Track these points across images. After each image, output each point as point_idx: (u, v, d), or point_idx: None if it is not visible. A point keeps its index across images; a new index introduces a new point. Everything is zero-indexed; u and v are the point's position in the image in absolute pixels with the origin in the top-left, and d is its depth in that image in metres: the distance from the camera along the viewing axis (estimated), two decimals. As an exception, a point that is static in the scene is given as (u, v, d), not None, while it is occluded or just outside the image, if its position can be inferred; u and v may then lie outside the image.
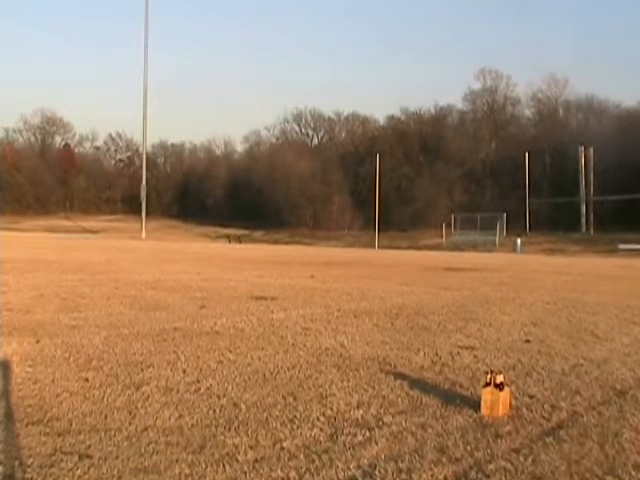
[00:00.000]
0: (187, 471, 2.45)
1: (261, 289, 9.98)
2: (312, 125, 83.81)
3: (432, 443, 2.84)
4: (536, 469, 2.57)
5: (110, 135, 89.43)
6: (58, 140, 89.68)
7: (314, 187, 67.99)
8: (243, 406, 3.35)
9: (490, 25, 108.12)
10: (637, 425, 3.19)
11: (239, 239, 62.54)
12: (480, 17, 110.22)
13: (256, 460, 2.59)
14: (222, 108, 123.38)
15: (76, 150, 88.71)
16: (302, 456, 2.65)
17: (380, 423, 3.12)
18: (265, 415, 3.20)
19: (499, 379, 3.26)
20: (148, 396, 3.50)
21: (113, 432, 2.87)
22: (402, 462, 2.60)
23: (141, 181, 59.06)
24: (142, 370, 4.12)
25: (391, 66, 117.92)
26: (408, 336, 5.79)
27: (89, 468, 2.45)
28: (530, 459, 2.67)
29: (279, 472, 2.47)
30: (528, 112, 72.52)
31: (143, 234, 54.31)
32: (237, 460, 2.58)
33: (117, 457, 2.57)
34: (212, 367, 4.27)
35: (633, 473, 2.56)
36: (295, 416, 3.20)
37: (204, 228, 71.35)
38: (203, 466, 2.50)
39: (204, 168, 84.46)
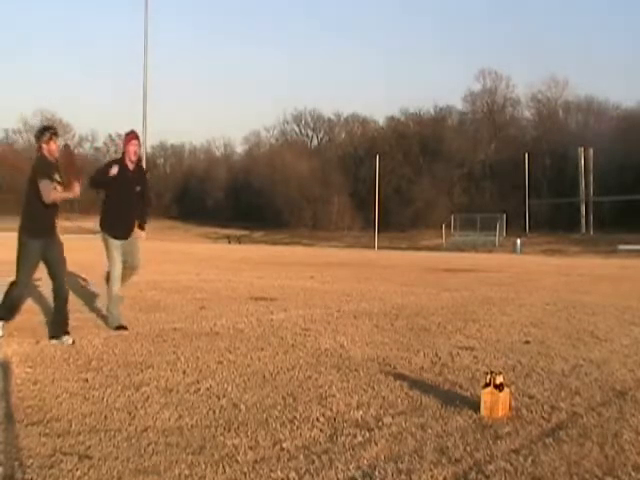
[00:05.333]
0: (187, 472, 2.45)
1: (261, 290, 9.99)
2: (312, 126, 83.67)
3: (432, 444, 2.84)
4: (536, 470, 2.57)
5: (110, 136, 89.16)
6: (58, 141, 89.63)
7: (314, 188, 67.93)
8: (243, 407, 3.35)
9: (490, 26, 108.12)
10: (637, 426, 3.20)
11: (239, 240, 62.52)
12: (480, 18, 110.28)
13: (256, 461, 2.59)
14: (222, 109, 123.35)
15: (76, 151, 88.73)
16: (302, 457, 2.65)
17: (380, 424, 3.12)
18: (265, 416, 3.20)
19: (499, 380, 3.26)
20: (148, 397, 3.50)
21: (113, 433, 2.87)
22: (402, 463, 2.60)
23: (141, 182, 58.87)
24: (142, 371, 4.13)
25: (391, 67, 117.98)
26: (408, 337, 5.79)
27: (89, 469, 2.45)
28: (530, 460, 2.67)
29: (279, 473, 2.47)
30: (528, 113, 72.47)
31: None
32: (237, 461, 2.58)
33: (117, 458, 2.57)
34: (212, 368, 4.28)
35: (633, 474, 2.56)
36: (295, 417, 3.20)
37: (204, 229, 71.28)
38: (203, 467, 2.50)
39: (204, 169, 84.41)
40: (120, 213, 5.86)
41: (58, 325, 5.20)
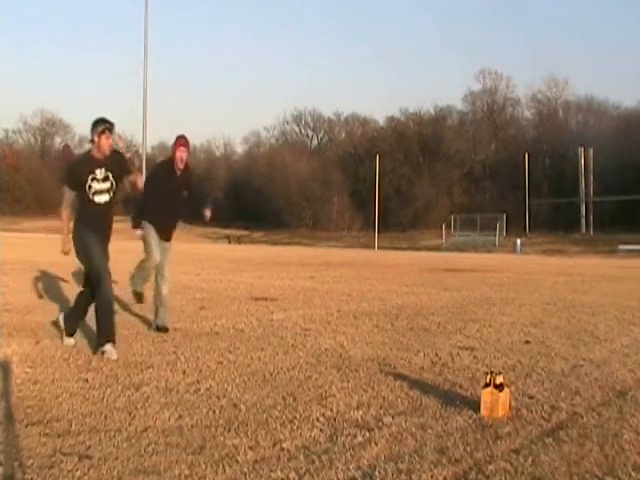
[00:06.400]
0: (187, 472, 2.45)
1: (261, 290, 9.99)
2: (312, 126, 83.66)
3: (432, 444, 2.84)
4: (536, 470, 2.57)
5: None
6: (58, 141, 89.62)
7: (314, 188, 67.94)
8: (243, 407, 3.35)
9: (490, 26, 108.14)
10: (637, 426, 3.20)
11: (239, 240, 62.52)
12: (480, 18, 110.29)
13: (256, 461, 2.59)
14: (221, 109, 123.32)
15: (76, 151, 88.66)
16: (302, 457, 2.65)
17: (380, 424, 3.12)
18: (265, 416, 3.20)
19: (499, 380, 3.26)
20: (148, 397, 3.50)
21: (113, 433, 2.87)
22: (402, 463, 2.60)
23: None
24: (142, 371, 4.13)
25: (391, 66, 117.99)
26: (408, 337, 5.79)
27: (89, 469, 2.45)
28: (530, 460, 2.67)
29: (279, 473, 2.47)
30: (528, 113, 72.52)
31: (143, 235, 54.08)
32: (237, 461, 2.58)
33: (117, 458, 2.57)
34: (212, 368, 4.28)
35: (633, 474, 2.56)
36: (295, 417, 3.20)
37: (204, 229, 70.99)
38: (203, 467, 2.50)
39: (204, 169, 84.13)
40: (162, 215, 5.70)
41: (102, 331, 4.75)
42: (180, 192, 5.80)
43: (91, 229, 4.81)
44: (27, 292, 8.46)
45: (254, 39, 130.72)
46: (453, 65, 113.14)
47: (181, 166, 5.71)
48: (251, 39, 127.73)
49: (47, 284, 9.51)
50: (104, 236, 4.93)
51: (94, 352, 4.63)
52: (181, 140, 5.74)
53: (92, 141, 4.78)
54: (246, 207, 71.98)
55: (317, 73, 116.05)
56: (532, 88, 71.24)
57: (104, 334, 4.65)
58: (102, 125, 4.75)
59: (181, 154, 5.66)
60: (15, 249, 21.77)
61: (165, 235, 5.82)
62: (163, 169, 5.94)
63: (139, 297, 5.77)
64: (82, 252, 4.81)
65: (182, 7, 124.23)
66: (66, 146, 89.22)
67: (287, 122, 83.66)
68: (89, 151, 4.87)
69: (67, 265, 13.24)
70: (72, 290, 8.74)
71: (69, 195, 4.83)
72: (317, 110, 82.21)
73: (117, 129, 4.94)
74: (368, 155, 65.37)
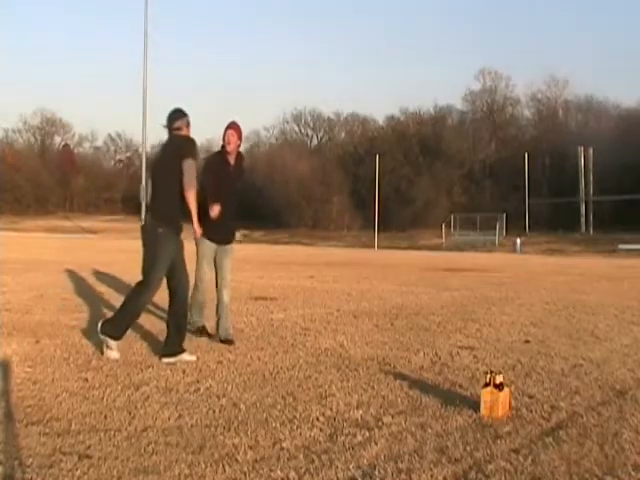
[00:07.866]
0: (187, 471, 2.45)
1: (261, 289, 9.98)
2: (311, 125, 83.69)
3: (432, 443, 2.84)
4: (536, 469, 2.57)
5: (110, 135, 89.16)
6: (58, 140, 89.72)
7: (314, 187, 67.90)
8: (243, 406, 3.35)
9: (490, 25, 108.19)
10: (636, 425, 3.20)
11: (239, 239, 62.51)
12: (480, 17, 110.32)
13: (256, 460, 2.59)
14: (222, 109, 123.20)
15: (75, 150, 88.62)
16: (302, 456, 2.65)
17: (380, 423, 3.12)
18: (265, 415, 3.20)
19: (499, 379, 3.26)
20: (148, 396, 3.50)
21: (113, 432, 2.87)
22: (402, 462, 2.60)
23: (141, 181, 58.75)
24: (142, 370, 4.13)
25: (391, 66, 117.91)
26: (408, 336, 5.79)
27: (89, 468, 2.45)
28: (530, 459, 2.67)
29: (279, 472, 2.47)
30: (528, 113, 72.55)
31: (143, 234, 53.94)
32: (237, 460, 2.58)
33: (117, 457, 2.57)
34: (211, 367, 4.28)
35: (633, 473, 2.56)
36: (295, 416, 3.20)
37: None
38: (203, 466, 2.50)
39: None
40: (219, 216, 5.08)
41: (173, 342, 4.52)
42: (235, 186, 5.40)
43: (178, 224, 4.49)
44: (27, 291, 8.45)
45: (254, 38, 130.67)
46: (453, 65, 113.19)
47: (230, 149, 5.24)
48: (251, 38, 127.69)
49: (48, 283, 9.51)
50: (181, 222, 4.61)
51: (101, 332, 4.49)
52: (231, 124, 5.36)
53: (179, 128, 4.63)
54: (246, 206, 71.66)
55: (317, 73, 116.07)
56: (532, 88, 71.35)
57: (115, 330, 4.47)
58: (188, 118, 4.72)
59: (229, 137, 5.22)
60: (15, 249, 21.76)
61: (224, 237, 5.30)
62: (215, 160, 5.47)
63: (201, 332, 5.33)
64: (157, 260, 4.42)
65: (182, 6, 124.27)
66: (66, 146, 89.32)
67: (287, 121, 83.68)
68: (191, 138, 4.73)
69: (66, 264, 13.24)
70: (72, 289, 8.75)
71: (194, 166, 4.43)
72: (317, 109, 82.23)
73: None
74: (368, 155, 65.29)
